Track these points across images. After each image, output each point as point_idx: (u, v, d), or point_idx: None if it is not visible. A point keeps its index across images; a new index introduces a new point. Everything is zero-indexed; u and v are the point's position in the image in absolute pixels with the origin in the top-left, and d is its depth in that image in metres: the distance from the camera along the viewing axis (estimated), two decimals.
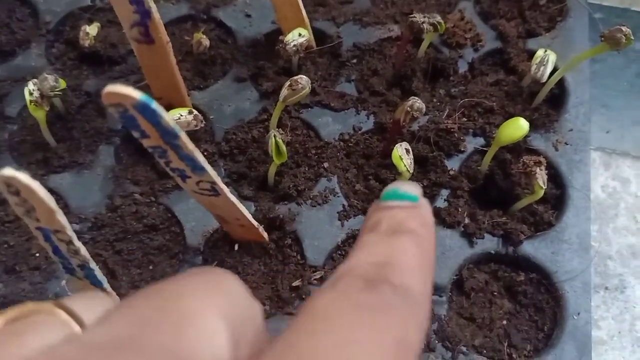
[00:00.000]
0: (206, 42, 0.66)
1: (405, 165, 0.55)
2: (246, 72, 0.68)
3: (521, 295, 0.57)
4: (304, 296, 0.56)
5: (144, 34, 0.55)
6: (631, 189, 0.74)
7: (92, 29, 0.68)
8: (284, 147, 0.57)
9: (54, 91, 0.58)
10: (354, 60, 0.68)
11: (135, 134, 0.42)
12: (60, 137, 0.65)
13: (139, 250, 0.61)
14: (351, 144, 0.63)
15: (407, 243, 0.27)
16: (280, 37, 0.63)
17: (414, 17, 0.58)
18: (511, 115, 0.63)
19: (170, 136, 0.42)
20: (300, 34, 0.63)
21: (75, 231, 0.60)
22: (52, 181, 0.63)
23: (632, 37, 0.55)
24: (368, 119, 0.65)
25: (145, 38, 0.56)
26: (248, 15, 0.71)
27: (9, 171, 0.35)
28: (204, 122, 0.59)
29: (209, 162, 0.64)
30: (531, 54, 0.66)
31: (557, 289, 0.56)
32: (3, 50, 0.70)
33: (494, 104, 0.63)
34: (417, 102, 0.57)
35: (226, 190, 0.50)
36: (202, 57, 0.68)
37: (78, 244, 0.43)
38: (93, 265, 0.45)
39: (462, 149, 0.62)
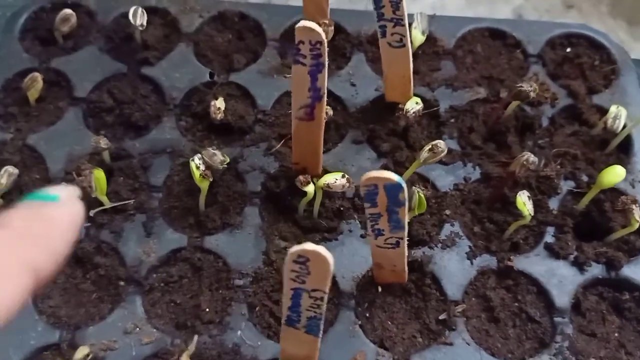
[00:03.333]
0: (330, 111, 0.75)
1: (528, 210, 0.67)
2: (361, 135, 0.78)
3: (627, 311, 0.69)
4: (453, 327, 0.66)
5: (309, 113, 0.65)
6: None
7: (221, 103, 0.76)
8: (424, 200, 0.67)
9: (222, 164, 0.66)
10: (452, 120, 0.79)
11: (367, 204, 0.51)
12: (206, 202, 0.73)
13: None
14: (465, 193, 0.74)
15: None
16: (400, 105, 0.74)
17: (522, 86, 0.70)
18: (592, 161, 0.76)
19: (396, 206, 0.51)
20: (416, 103, 0.74)
21: (239, 286, 0.68)
22: (208, 242, 0.71)
23: None
24: (474, 169, 0.76)
25: (307, 117, 0.65)
26: (353, 84, 0.82)
27: (310, 246, 0.44)
28: (353, 185, 0.68)
29: (346, 216, 0.73)
30: (598, 107, 0.80)
31: None
32: (138, 125, 0.78)
33: (578, 152, 0.76)
34: (531, 157, 0.68)
35: (405, 243, 0.60)
36: None
37: (325, 300, 0.50)
38: (322, 317, 0.53)
39: (558, 192, 0.74)
